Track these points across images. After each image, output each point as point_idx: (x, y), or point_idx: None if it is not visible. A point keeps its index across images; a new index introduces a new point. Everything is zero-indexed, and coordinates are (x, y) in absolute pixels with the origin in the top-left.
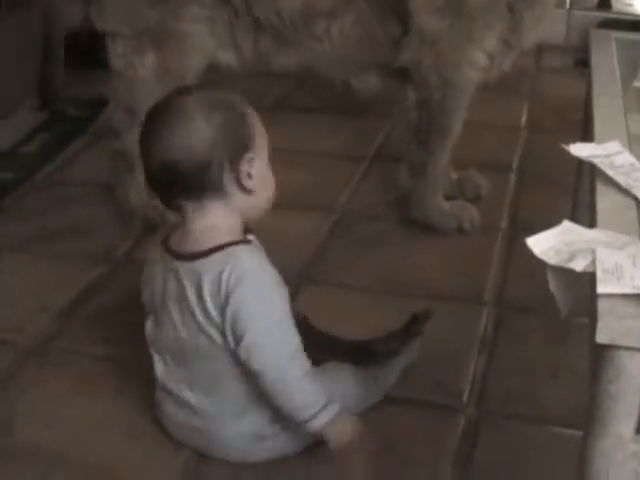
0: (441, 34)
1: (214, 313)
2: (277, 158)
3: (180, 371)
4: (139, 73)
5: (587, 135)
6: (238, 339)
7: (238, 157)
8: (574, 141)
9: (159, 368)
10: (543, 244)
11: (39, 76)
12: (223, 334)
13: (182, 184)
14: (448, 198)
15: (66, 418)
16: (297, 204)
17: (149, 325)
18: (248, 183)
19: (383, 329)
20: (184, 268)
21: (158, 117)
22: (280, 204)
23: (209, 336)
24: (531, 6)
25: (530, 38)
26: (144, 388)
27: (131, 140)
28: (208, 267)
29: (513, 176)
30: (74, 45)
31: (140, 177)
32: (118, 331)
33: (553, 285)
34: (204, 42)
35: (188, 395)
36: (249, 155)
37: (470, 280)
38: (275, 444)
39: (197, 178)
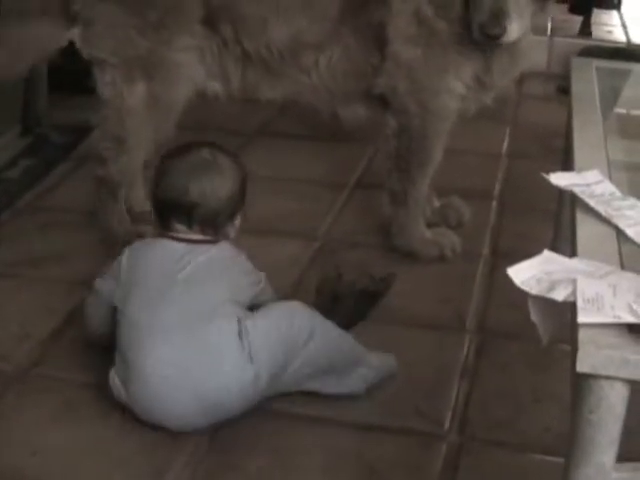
0: (415, 62)
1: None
2: (259, 184)
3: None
4: (128, 102)
5: (568, 162)
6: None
7: (238, 210)
8: (556, 168)
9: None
10: (524, 274)
11: (22, 102)
12: None
13: (195, 219)
14: (430, 225)
15: (50, 445)
16: (279, 231)
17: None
18: (232, 232)
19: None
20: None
21: (192, 162)
22: (262, 230)
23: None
24: (499, 53)
25: (502, 81)
26: (127, 415)
27: (117, 168)
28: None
29: (495, 203)
30: (57, 70)
31: (122, 204)
32: (100, 358)
33: (534, 314)
34: (194, 72)
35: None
36: (243, 209)
37: (452, 307)
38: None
39: (209, 219)
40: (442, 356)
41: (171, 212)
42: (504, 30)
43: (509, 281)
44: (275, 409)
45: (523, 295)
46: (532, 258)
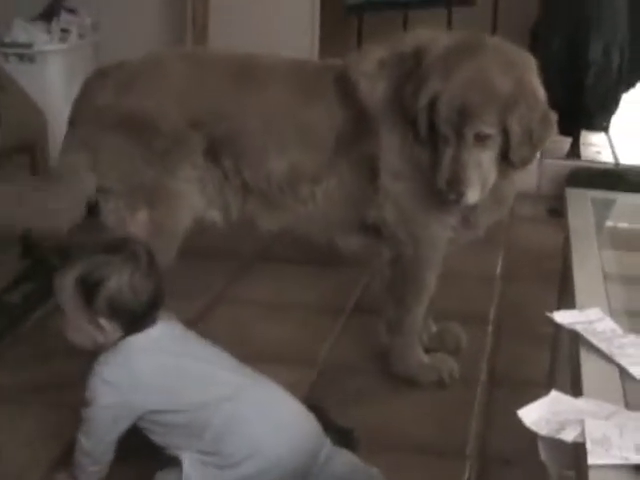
0: (403, 194)
1: None
2: (257, 310)
3: None
4: (130, 229)
5: (567, 293)
6: None
7: None
8: (549, 290)
9: None
10: (533, 415)
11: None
12: None
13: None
14: (428, 350)
15: None
16: (277, 357)
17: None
18: None
19: None
20: None
21: (132, 263)
22: (260, 357)
23: None
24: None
25: (488, 219)
26: None
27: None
28: None
29: (490, 327)
30: None
31: None
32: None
33: (544, 453)
34: (195, 201)
35: None
36: None
37: (451, 433)
38: None
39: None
40: None
41: (147, 314)
42: (461, 196)
43: (507, 406)
44: None
45: (521, 421)
46: (540, 399)
